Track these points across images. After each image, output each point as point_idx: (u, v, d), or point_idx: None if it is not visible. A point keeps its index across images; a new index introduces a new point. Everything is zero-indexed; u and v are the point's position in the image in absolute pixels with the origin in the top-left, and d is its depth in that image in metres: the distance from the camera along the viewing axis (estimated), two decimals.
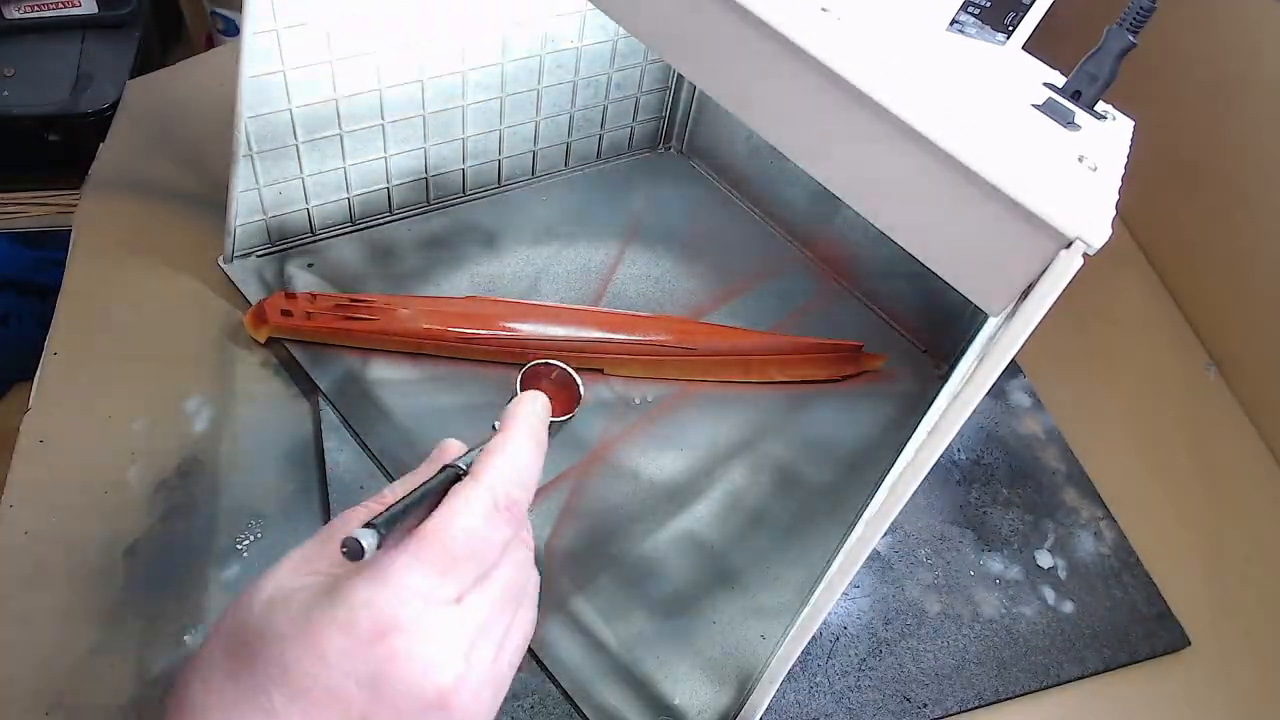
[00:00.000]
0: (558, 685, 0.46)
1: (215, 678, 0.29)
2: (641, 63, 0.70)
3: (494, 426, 0.37)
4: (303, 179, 0.60)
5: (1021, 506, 0.58)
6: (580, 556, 0.51)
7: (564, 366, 0.47)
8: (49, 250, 1.00)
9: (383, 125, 0.60)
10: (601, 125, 0.72)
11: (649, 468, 0.55)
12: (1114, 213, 0.28)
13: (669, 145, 0.77)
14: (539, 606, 0.36)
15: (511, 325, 0.58)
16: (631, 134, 0.75)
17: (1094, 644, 0.52)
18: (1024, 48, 0.35)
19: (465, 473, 0.34)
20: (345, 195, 0.63)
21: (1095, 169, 0.29)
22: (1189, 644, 0.53)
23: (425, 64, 0.59)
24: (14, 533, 0.48)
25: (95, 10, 0.93)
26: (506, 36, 0.61)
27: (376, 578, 0.29)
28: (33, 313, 0.99)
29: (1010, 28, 0.34)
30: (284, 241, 0.63)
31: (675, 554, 0.52)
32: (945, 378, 0.59)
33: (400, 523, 0.30)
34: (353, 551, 0.28)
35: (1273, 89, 0.65)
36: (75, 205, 0.65)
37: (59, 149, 0.91)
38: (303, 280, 0.61)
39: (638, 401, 0.59)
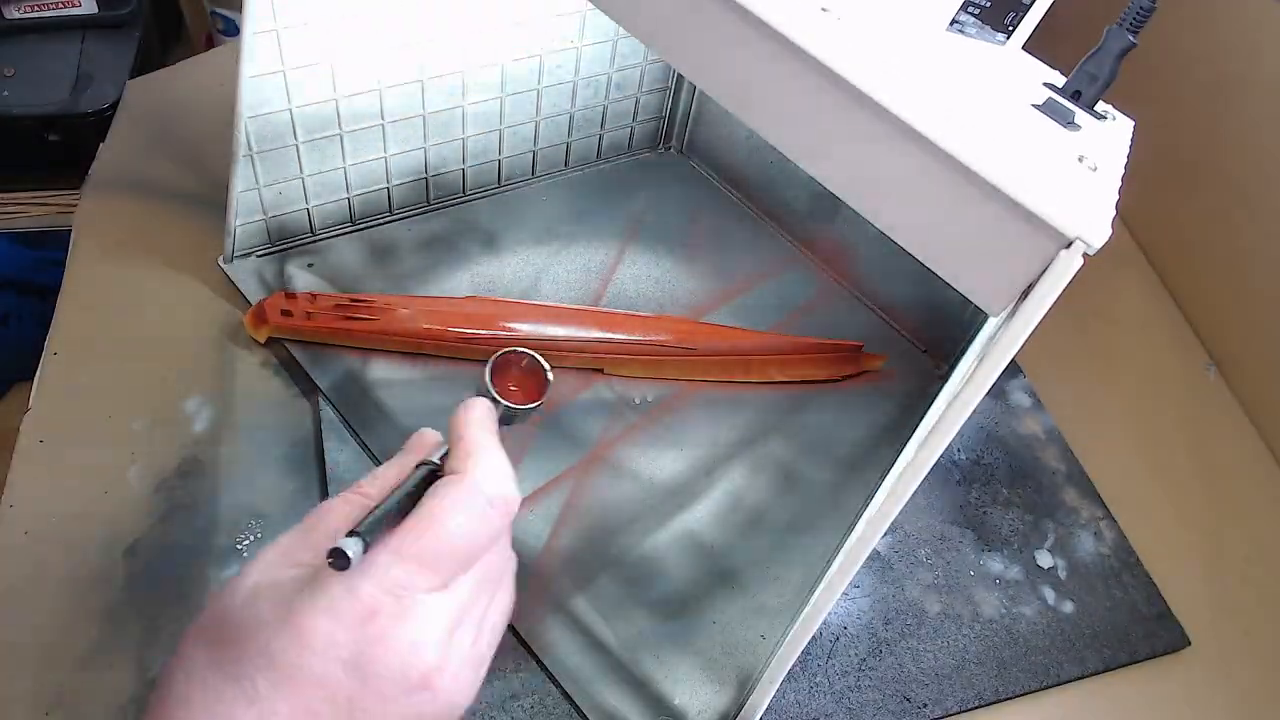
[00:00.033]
0: (558, 685, 0.46)
1: (198, 668, 0.29)
2: (641, 63, 0.70)
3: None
4: (303, 179, 0.60)
5: (1021, 506, 0.58)
6: (580, 556, 0.51)
7: (532, 354, 0.48)
8: (49, 250, 1.00)
9: (383, 125, 0.60)
10: (601, 125, 0.72)
11: (649, 468, 0.55)
12: (1114, 213, 0.28)
13: (669, 145, 0.77)
14: (522, 590, 0.37)
15: (511, 325, 0.58)
16: (631, 134, 0.75)
17: (1094, 644, 0.52)
18: (1024, 48, 0.35)
19: (440, 468, 0.34)
20: (345, 195, 0.63)
21: (1095, 169, 0.29)
22: (1189, 644, 0.53)
23: (425, 64, 0.59)
24: (14, 533, 0.48)
25: (95, 10, 0.93)
26: (506, 37, 0.61)
27: (361, 569, 0.29)
28: (33, 313, 0.99)
29: (1010, 28, 0.34)
30: (284, 241, 0.63)
31: (675, 554, 0.52)
32: (945, 378, 0.59)
33: (384, 528, 0.31)
34: (339, 562, 0.28)
35: (1273, 89, 0.65)
36: (75, 205, 0.65)
37: (59, 149, 0.91)
38: (303, 280, 0.61)
39: (638, 401, 0.59)
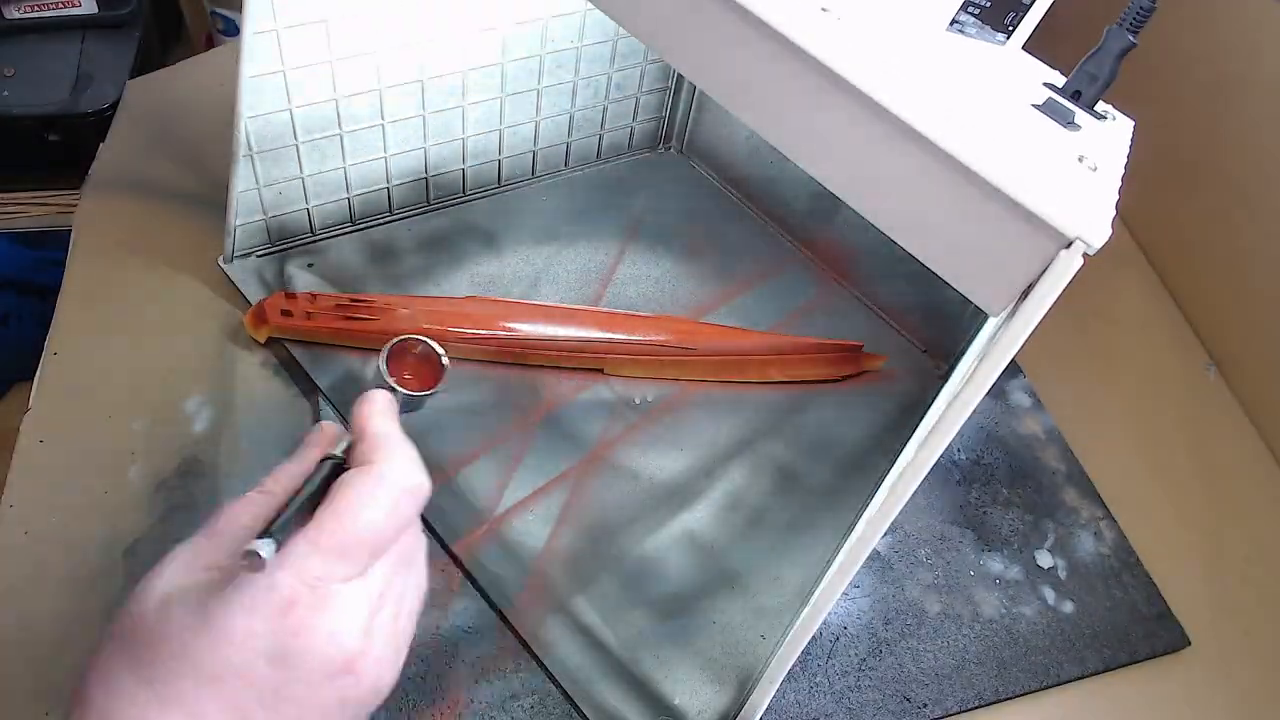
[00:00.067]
0: (558, 685, 0.46)
1: (118, 680, 0.29)
2: (641, 63, 0.70)
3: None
4: (303, 179, 0.60)
5: (1021, 506, 0.58)
6: (580, 556, 0.51)
7: (426, 341, 0.48)
8: (49, 250, 1.00)
9: (383, 125, 0.60)
10: (601, 125, 0.72)
11: (649, 468, 0.55)
12: (1114, 213, 0.28)
13: (669, 145, 0.77)
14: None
15: (511, 325, 0.58)
16: (631, 134, 0.75)
17: (1094, 644, 0.52)
18: (1024, 48, 0.35)
19: (344, 461, 0.34)
20: (345, 195, 0.63)
21: (1095, 169, 0.29)
22: (1189, 644, 0.53)
23: (425, 64, 0.59)
24: (14, 533, 0.48)
25: (95, 10, 0.93)
26: (506, 36, 0.61)
27: (277, 561, 0.30)
28: (33, 313, 0.99)
29: (1010, 28, 0.34)
30: (284, 241, 0.63)
31: (675, 554, 0.52)
32: (945, 378, 0.59)
33: (294, 525, 0.31)
34: (254, 563, 0.29)
35: (1273, 89, 0.65)
36: (75, 205, 0.65)
37: (59, 149, 0.91)
38: (303, 280, 0.61)
39: (638, 401, 0.59)
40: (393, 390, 0.43)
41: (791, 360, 0.62)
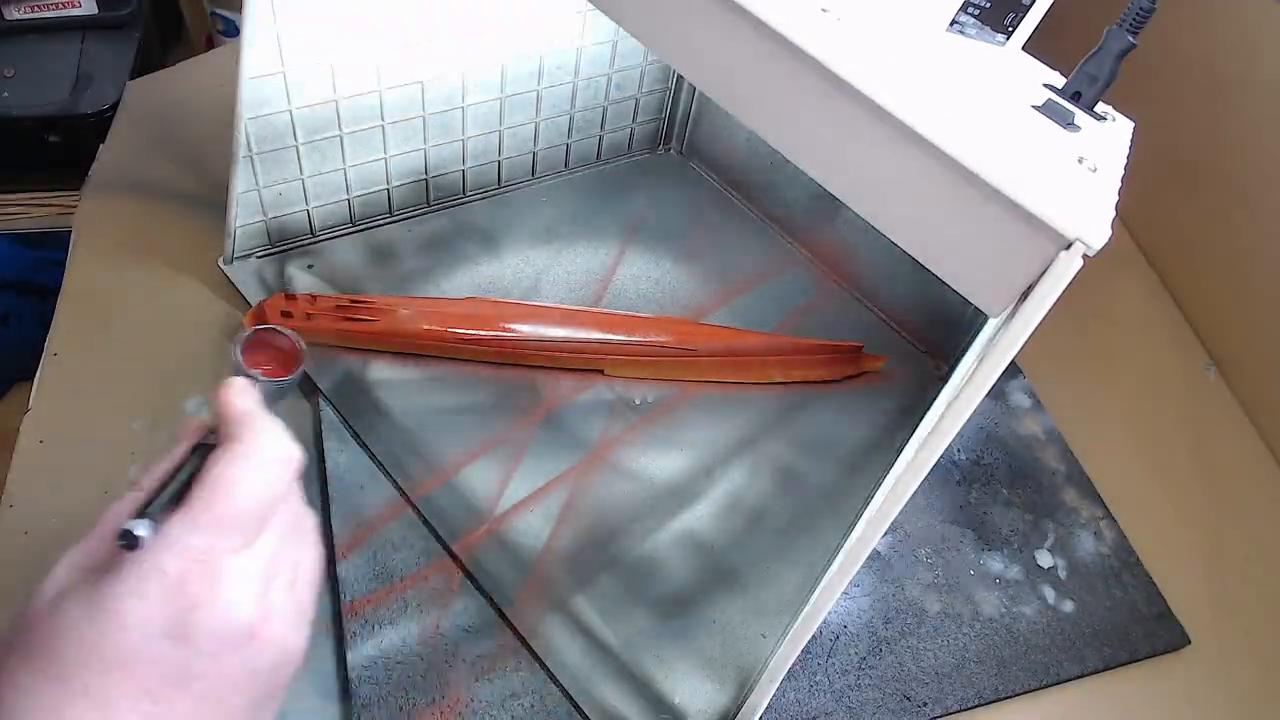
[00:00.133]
0: (558, 685, 0.46)
1: (23, 682, 0.29)
2: (641, 64, 0.70)
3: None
4: (303, 180, 0.60)
5: (1021, 506, 0.58)
6: (580, 556, 0.51)
7: (280, 329, 0.48)
8: (49, 250, 1.00)
9: (383, 126, 0.60)
10: (601, 126, 0.72)
11: (649, 468, 0.55)
12: (1114, 213, 0.28)
13: (669, 146, 0.77)
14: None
15: (511, 326, 0.58)
16: (631, 135, 0.75)
17: (1094, 643, 0.52)
18: (1024, 48, 0.35)
19: (213, 445, 0.34)
20: (345, 196, 0.63)
21: (1095, 170, 0.29)
22: (1189, 643, 0.53)
23: (425, 65, 0.59)
24: (14, 533, 0.48)
25: (95, 11, 0.93)
26: (506, 38, 0.61)
27: (159, 545, 0.30)
28: (33, 313, 0.99)
29: (1010, 28, 0.34)
30: (284, 243, 0.63)
31: (675, 554, 0.52)
32: (945, 378, 0.59)
33: (169, 508, 0.31)
34: (130, 543, 0.29)
35: (1273, 89, 0.65)
36: (75, 206, 0.65)
37: (59, 150, 0.91)
38: (303, 281, 0.61)
39: (638, 402, 0.59)
40: (252, 379, 0.44)
41: (792, 361, 0.62)
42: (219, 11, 1.09)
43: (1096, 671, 0.51)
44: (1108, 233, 0.26)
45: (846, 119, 0.29)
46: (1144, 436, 0.65)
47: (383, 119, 0.60)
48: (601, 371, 0.60)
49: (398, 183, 0.65)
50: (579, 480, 0.54)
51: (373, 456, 0.53)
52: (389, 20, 0.55)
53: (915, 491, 0.31)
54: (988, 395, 0.29)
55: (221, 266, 0.61)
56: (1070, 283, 0.26)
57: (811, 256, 0.70)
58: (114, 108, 0.76)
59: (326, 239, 0.64)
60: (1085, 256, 0.26)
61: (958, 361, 0.56)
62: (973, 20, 0.34)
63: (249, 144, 0.55)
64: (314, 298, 0.57)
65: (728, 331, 0.62)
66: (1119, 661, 0.52)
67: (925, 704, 0.48)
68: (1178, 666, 0.53)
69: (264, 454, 0.33)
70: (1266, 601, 0.57)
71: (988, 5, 0.34)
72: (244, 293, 0.60)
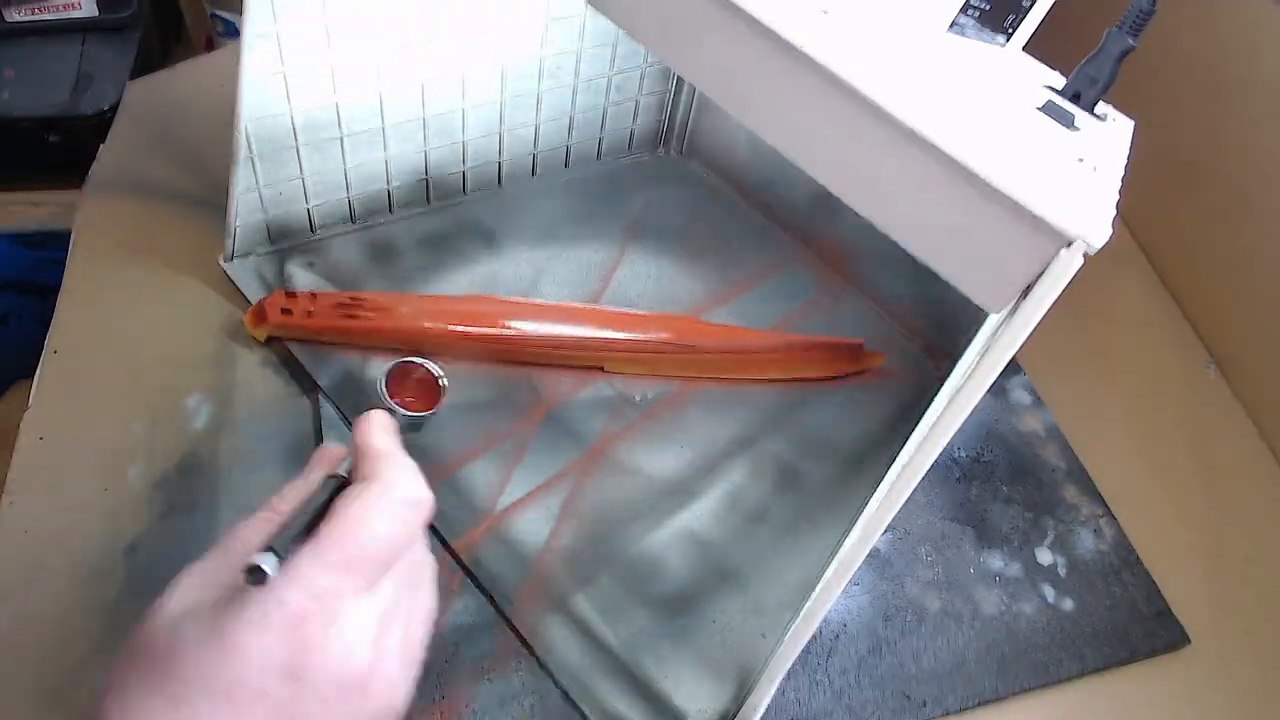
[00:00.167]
0: (558, 685, 0.46)
1: (133, 698, 0.29)
2: (641, 65, 0.70)
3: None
4: (303, 179, 0.60)
5: (1021, 504, 0.58)
6: (580, 555, 0.51)
7: (424, 363, 0.49)
8: (49, 250, 1.00)
9: (383, 128, 0.60)
10: (601, 127, 0.72)
11: (649, 466, 0.55)
12: (1114, 213, 0.28)
13: (669, 147, 0.77)
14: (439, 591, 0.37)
15: (512, 324, 0.58)
16: (631, 136, 0.75)
17: (1094, 642, 0.52)
18: (1024, 49, 0.35)
19: (347, 480, 0.35)
20: (345, 195, 0.63)
21: (1095, 169, 0.29)
22: (1189, 642, 0.53)
23: (425, 65, 0.59)
24: (14, 531, 0.48)
25: (95, 13, 0.93)
26: (506, 39, 0.61)
27: (285, 579, 0.30)
28: (33, 312, 0.99)
29: (1010, 30, 0.34)
30: (284, 241, 0.63)
31: (675, 552, 0.52)
32: (945, 377, 0.59)
33: (297, 541, 0.31)
34: (258, 579, 0.29)
35: (1273, 89, 0.65)
36: (75, 206, 0.65)
37: (59, 150, 0.91)
38: (303, 279, 0.61)
39: (638, 399, 0.59)
40: (391, 412, 0.44)
41: (791, 358, 0.62)
42: (219, 13, 1.09)
43: (1096, 670, 0.51)
44: (1108, 231, 0.26)
45: (847, 119, 0.29)
46: (1144, 434, 0.65)
47: (383, 120, 0.60)
48: (602, 369, 0.60)
49: (398, 182, 0.65)
50: (579, 478, 0.54)
51: None
52: (389, 20, 0.55)
53: (915, 489, 0.31)
54: (988, 392, 0.29)
55: (222, 264, 0.61)
56: (1071, 281, 0.27)
57: (812, 255, 0.70)
58: (114, 108, 0.76)
59: (327, 237, 0.64)
60: (1086, 255, 0.26)
61: (958, 360, 0.56)
62: (973, 21, 0.34)
63: (249, 144, 0.55)
64: (314, 295, 0.57)
65: (728, 329, 0.62)
66: (1119, 660, 0.52)
67: (925, 703, 0.48)
68: (1177, 666, 0.53)
69: (397, 496, 0.33)
70: (1266, 601, 0.57)
71: (988, 6, 0.34)
72: (244, 291, 0.60)
